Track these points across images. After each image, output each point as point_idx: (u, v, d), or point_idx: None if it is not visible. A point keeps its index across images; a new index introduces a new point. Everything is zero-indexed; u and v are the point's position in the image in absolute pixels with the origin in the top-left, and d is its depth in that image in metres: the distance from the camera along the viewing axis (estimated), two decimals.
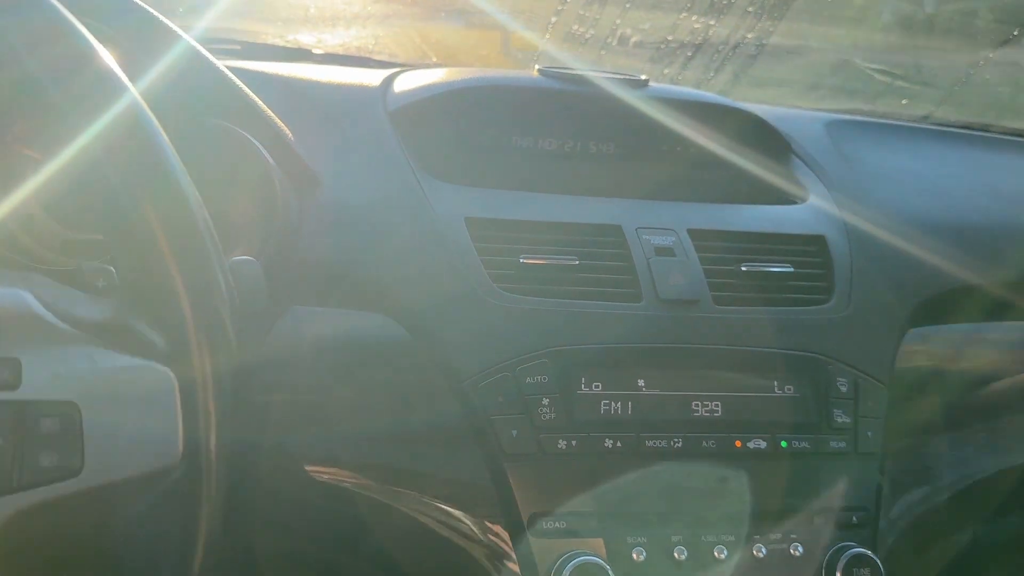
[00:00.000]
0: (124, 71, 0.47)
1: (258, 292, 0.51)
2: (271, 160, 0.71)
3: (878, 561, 0.70)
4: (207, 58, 0.71)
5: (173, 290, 0.45)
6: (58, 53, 0.44)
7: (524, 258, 0.75)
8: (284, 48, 1.16)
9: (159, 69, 0.69)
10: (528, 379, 0.70)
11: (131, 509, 0.43)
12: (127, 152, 0.45)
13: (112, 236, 0.46)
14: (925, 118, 1.30)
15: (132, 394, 0.43)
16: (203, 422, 0.44)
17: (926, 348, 0.83)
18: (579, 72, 0.91)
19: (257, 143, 0.71)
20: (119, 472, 0.42)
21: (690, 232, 0.80)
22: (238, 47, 1.11)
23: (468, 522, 0.69)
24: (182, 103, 0.70)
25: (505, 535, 0.68)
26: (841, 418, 0.74)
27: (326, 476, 0.70)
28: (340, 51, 1.25)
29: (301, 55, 1.14)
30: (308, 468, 0.70)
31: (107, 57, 0.47)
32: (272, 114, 0.76)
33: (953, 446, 0.81)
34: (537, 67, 0.94)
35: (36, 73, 0.44)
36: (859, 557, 0.70)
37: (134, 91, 0.46)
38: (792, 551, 0.71)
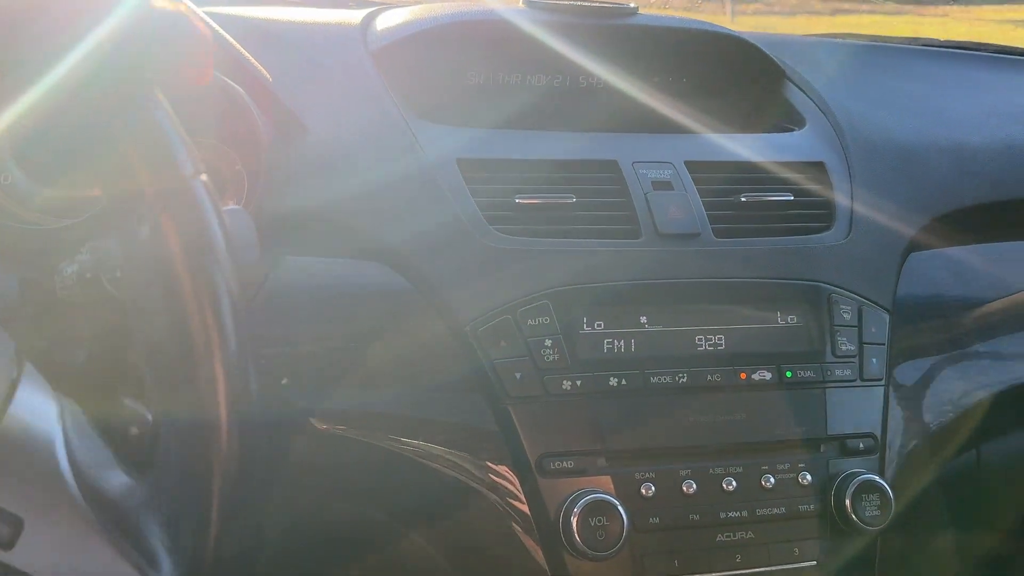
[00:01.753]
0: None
1: (249, 244, 0.49)
2: (255, 107, 0.68)
3: (886, 486, 0.70)
4: (188, 9, 0.68)
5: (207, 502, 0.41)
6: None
7: (520, 198, 0.73)
8: None
9: (136, 19, 0.66)
10: (529, 321, 0.69)
11: None
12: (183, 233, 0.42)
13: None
14: (915, 40, 1.28)
15: None
16: None
17: (927, 271, 0.83)
18: (566, 2, 0.88)
19: (240, 89, 0.68)
20: None
21: (687, 164, 0.78)
22: None
23: (477, 467, 0.68)
24: (159, 57, 0.67)
25: (514, 478, 0.68)
26: (845, 346, 0.74)
27: (331, 428, 0.69)
28: None
29: None
30: (312, 420, 0.69)
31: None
32: (253, 60, 0.73)
33: (956, 368, 0.81)
34: (522, 1, 0.91)
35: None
36: (867, 483, 0.70)
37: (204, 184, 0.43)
38: (800, 480, 0.71)
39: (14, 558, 0.37)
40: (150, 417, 0.45)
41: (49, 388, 0.44)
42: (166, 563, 0.41)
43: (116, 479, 0.42)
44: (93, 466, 0.41)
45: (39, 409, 0.41)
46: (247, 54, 0.73)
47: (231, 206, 0.49)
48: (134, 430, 0.45)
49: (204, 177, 0.42)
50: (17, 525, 0.37)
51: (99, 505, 0.40)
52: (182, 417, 0.42)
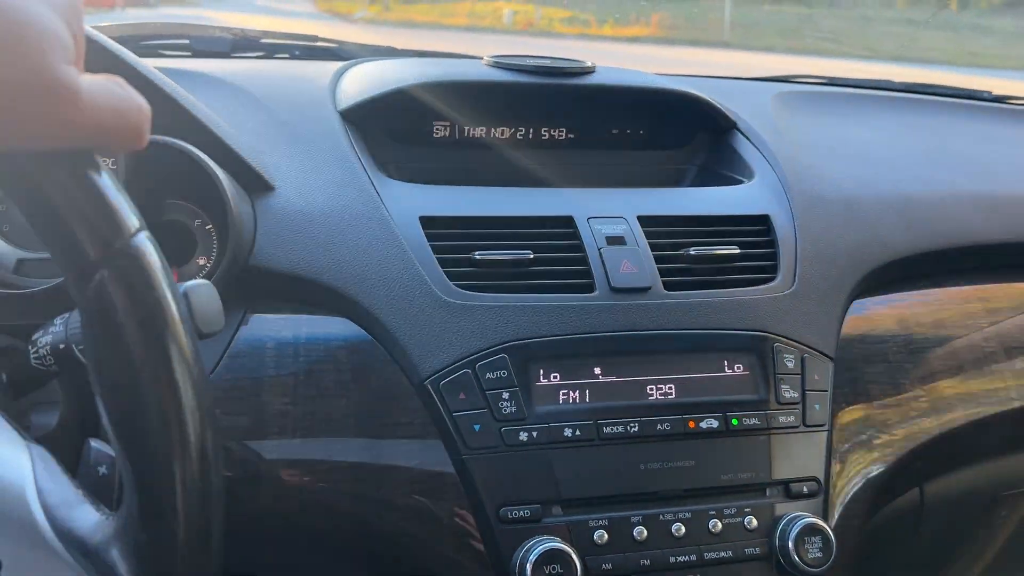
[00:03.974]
0: None
1: (214, 315, 0.52)
2: (217, 169, 0.71)
3: (828, 529, 0.74)
4: (140, 70, 0.71)
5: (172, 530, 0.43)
6: None
7: (479, 254, 0.77)
8: (233, 40, 1.15)
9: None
10: (488, 374, 0.72)
11: None
12: (135, 294, 0.43)
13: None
14: (870, 83, 1.33)
15: None
16: None
17: (869, 318, 0.87)
18: (528, 62, 0.92)
19: (201, 154, 0.71)
20: None
21: (640, 219, 0.82)
22: (186, 41, 1.10)
23: (436, 515, 0.71)
24: None
25: (472, 526, 0.71)
26: (789, 393, 0.78)
27: (292, 478, 0.72)
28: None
29: (250, 45, 1.13)
30: (275, 471, 0.71)
31: None
32: (219, 122, 0.76)
33: (897, 411, 0.85)
34: (486, 57, 0.95)
35: None
36: (810, 526, 0.73)
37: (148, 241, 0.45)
38: (746, 524, 0.75)
39: None
40: (114, 455, 0.46)
41: (18, 436, 0.46)
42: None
43: (86, 516, 0.44)
44: (63, 506, 0.43)
45: (8, 457, 0.43)
46: (210, 116, 0.76)
47: (196, 280, 0.52)
48: (102, 470, 0.48)
49: (145, 233, 0.43)
50: None
51: (71, 541, 0.42)
52: (142, 462, 0.43)
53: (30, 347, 0.60)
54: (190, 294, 0.51)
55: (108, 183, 0.42)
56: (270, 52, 1.14)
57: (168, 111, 0.72)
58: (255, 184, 0.76)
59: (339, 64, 1.00)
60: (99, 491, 0.47)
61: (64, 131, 0.38)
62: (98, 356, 0.43)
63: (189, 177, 0.72)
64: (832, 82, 1.32)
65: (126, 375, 0.42)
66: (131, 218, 0.43)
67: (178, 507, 0.43)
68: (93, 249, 0.41)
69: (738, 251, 0.82)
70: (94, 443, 0.49)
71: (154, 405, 0.43)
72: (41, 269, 0.72)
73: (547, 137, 0.97)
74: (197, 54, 1.08)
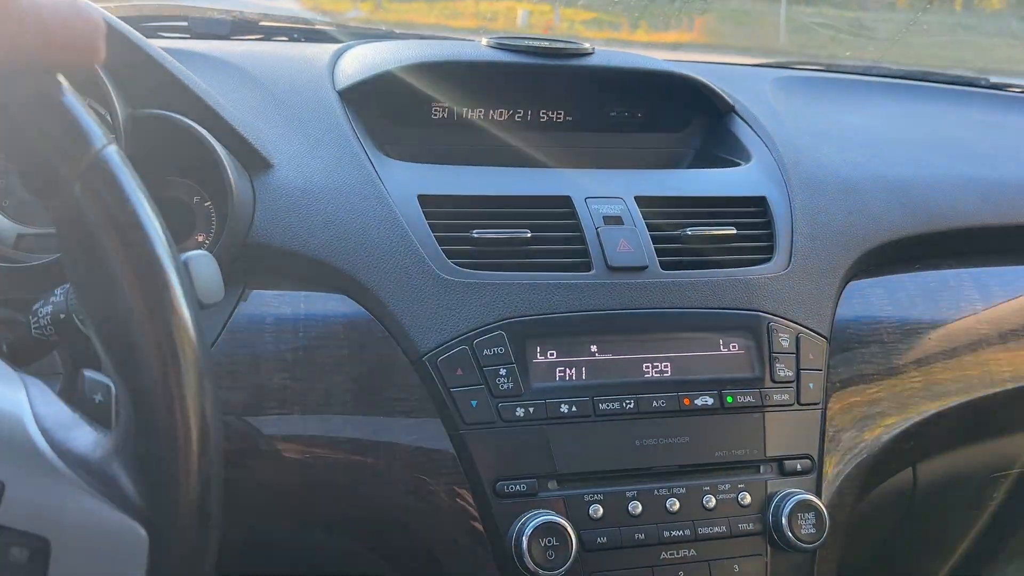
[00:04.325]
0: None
1: (214, 286, 0.52)
2: (217, 145, 0.71)
3: (821, 505, 0.74)
4: (148, 49, 0.71)
5: (161, 437, 0.44)
6: None
7: (477, 232, 0.77)
8: (231, 21, 1.15)
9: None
10: (485, 351, 0.73)
11: None
12: (107, 210, 0.44)
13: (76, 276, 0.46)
14: (867, 69, 1.33)
15: (103, 543, 0.43)
16: None
17: (864, 300, 0.87)
18: (526, 43, 0.92)
19: (202, 130, 0.71)
20: None
21: (637, 199, 0.82)
22: (185, 23, 1.10)
23: (434, 489, 0.72)
24: (121, 93, 0.70)
25: (469, 501, 0.72)
26: (783, 372, 0.78)
27: (292, 454, 0.72)
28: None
29: (248, 28, 1.14)
30: (274, 447, 0.72)
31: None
32: (218, 99, 0.76)
33: (891, 392, 0.85)
34: (485, 38, 0.95)
35: None
36: (803, 502, 0.74)
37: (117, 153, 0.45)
38: (740, 500, 0.75)
39: (2, 518, 0.40)
40: (112, 386, 0.48)
41: (11, 370, 0.47)
42: (136, 499, 0.44)
43: (84, 435, 0.45)
44: (61, 428, 0.44)
45: (3, 387, 0.44)
46: (210, 93, 0.76)
47: (196, 251, 0.52)
48: (98, 398, 0.48)
49: (115, 148, 0.44)
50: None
51: (71, 460, 0.43)
52: (137, 380, 0.44)
53: (31, 317, 0.61)
54: (190, 264, 0.51)
55: (71, 101, 0.43)
56: (268, 35, 1.14)
57: (167, 87, 0.72)
58: (253, 161, 0.77)
59: (337, 46, 1.00)
60: (96, 417, 0.48)
61: (9, 45, 0.38)
62: (81, 277, 0.44)
63: (188, 153, 0.72)
64: (830, 68, 1.32)
65: (110, 291, 0.43)
66: (97, 132, 0.43)
67: (176, 417, 0.44)
68: (62, 165, 0.42)
69: (735, 232, 0.83)
70: (88, 373, 0.49)
71: (142, 317, 0.43)
72: (41, 244, 0.72)
73: (545, 119, 0.98)
74: (196, 36, 1.08)
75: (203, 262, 0.53)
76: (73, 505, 0.42)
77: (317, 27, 1.18)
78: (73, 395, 0.48)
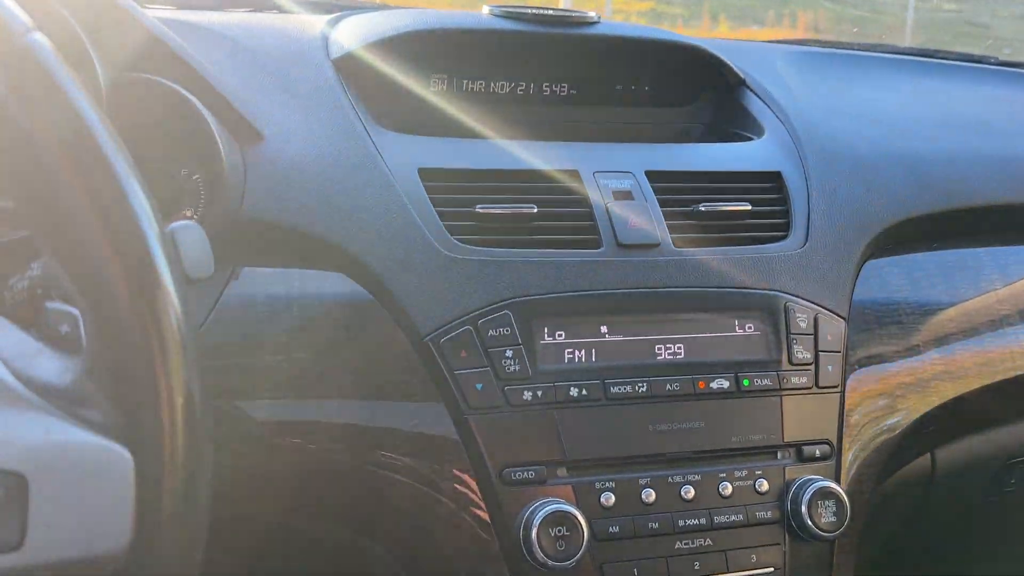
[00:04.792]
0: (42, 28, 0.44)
1: (203, 257, 0.48)
2: (208, 114, 0.67)
3: (842, 493, 0.71)
4: (131, 10, 0.67)
5: (131, 350, 0.41)
6: None
7: (481, 207, 0.73)
8: None
9: (80, 20, 0.65)
10: (490, 332, 0.69)
11: None
12: (40, 109, 0.41)
13: (27, 206, 0.42)
14: (876, 46, 1.30)
15: (85, 472, 0.40)
16: (156, 511, 0.41)
17: (882, 279, 0.84)
18: (529, 11, 0.88)
19: (191, 96, 0.67)
20: (61, 552, 0.39)
21: (648, 174, 0.79)
22: None
23: (438, 477, 0.68)
24: (104, 55, 0.66)
25: (475, 489, 0.68)
26: (801, 354, 0.75)
27: (290, 439, 0.69)
28: None
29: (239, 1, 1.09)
30: (267, 433, 0.68)
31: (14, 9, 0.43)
32: (206, 66, 0.72)
33: (911, 374, 0.82)
34: (487, 7, 0.91)
35: None
36: (823, 490, 0.71)
37: (45, 42, 0.42)
38: (757, 487, 0.72)
39: None
40: (78, 314, 0.44)
41: None
42: (115, 420, 0.41)
43: (51, 362, 0.42)
44: (23, 357, 0.41)
45: None
46: (201, 61, 0.72)
47: (184, 220, 0.48)
48: (64, 328, 0.45)
49: (39, 35, 0.41)
50: None
51: (38, 387, 0.41)
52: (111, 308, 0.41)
53: (5, 292, 0.57)
54: (176, 235, 0.47)
55: None
56: (258, 7, 1.10)
57: (153, 51, 0.68)
58: (245, 132, 0.72)
59: (330, 16, 0.96)
60: (62, 347, 0.44)
61: None
62: (26, 184, 0.41)
63: (175, 123, 0.68)
64: (838, 46, 1.29)
65: (59, 196, 0.40)
66: (18, 18, 0.40)
67: (150, 330, 0.41)
68: None
69: (749, 208, 0.79)
70: (50, 304, 0.46)
71: (94, 215, 0.41)
72: (11, 220, 0.68)
73: (548, 92, 0.94)
74: (183, 6, 1.04)
75: (191, 233, 0.49)
76: (45, 434, 0.39)
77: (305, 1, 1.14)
78: (36, 327, 0.44)
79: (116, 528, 0.40)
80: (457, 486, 0.69)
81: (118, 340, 0.41)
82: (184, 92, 0.67)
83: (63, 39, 0.63)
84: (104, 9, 0.66)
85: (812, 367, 0.75)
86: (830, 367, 0.76)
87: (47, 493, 0.39)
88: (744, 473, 0.72)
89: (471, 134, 0.84)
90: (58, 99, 0.40)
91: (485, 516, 0.68)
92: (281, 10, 1.11)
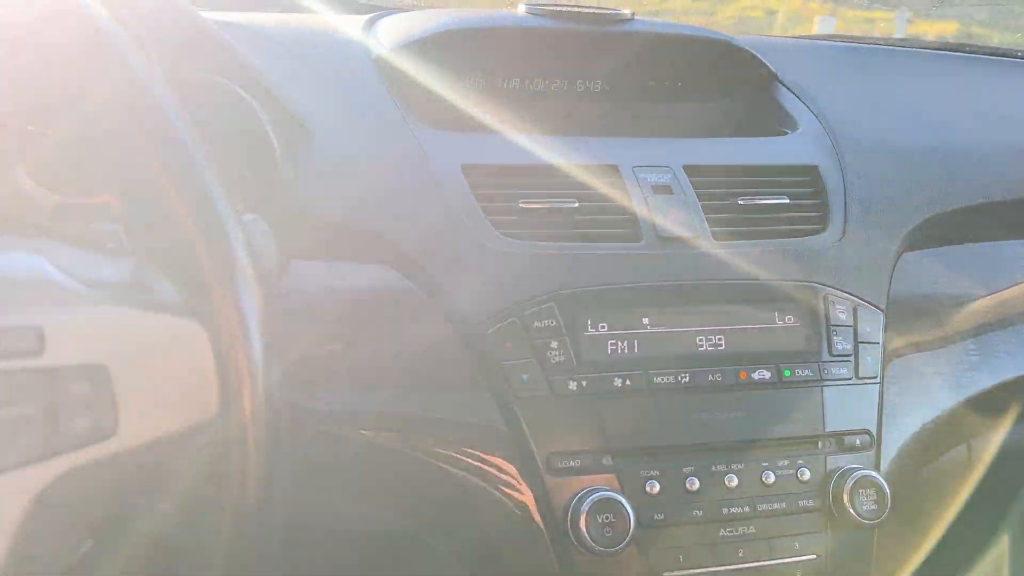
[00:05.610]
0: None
1: (268, 251, 0.50)
2: (263, 113, 0.69)
3: (883, 481, 0.72)
4: (190, 9, 0.69)
5: (189, 244, 0.44)
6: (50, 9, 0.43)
7: (524, 203, 0.75)
8: None
9: (139, 23, 0.67)
10: (536, 323, 0.70)
11: (171, 466, 0.43)
12: (132, 111, 0.44)
13: (120, 196, 0.45)
14: (904, 41, 1.30)
15: (161, 352, 0.42)
16: (236, 372, 0.43)
17: (919, 271, 0.85)
18: (565, 9, 0.90)
19: (247, 96, 0.69)
20: (155, 430, 0.42)
21: (686, 168, 0.80)
22: None
23: (485, 465, 0.70)
24: (165, 57, 0.68)
25: (522, 476, 0.69)
26: (841, 345, 0.76)
27: (339, 429, 0.70)
28: None
29: (274, 2, 1.11)
30: (321, 423, 0.70)
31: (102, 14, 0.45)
32: (258, 65, 0.74)
33: (947, 365, 0.83)
34: (522, 5, 0.92)
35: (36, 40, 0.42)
36: (864, 478, 0.72)
37: (139, 56, 0.44)
38: (799, 476, 0.73)
39: (47, 360, 0.39)
40: (121, 230, 0.48)
41: (15, 237, 0.45)
42: (180, 297, 0.43)
43: (108, 265, 0.44)
44: (82, 267, 0.43)
45: (10, 248, 0.43)
46: (253, 60, 0.74)
47: (249, 215, 0.50)
48: (110, 244, 0.48)
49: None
50: (37, 332, 0.39)
51: (101, 285, 0.42)
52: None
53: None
54: (247, 227, 0.49)
55: None
56: (292, 8, 1.11)
57: (210, 52, 0.70)
58: (295, 130, 0.74)
59: (368, 16, 0.97)
60: (113, 254, 0.47)
61: None
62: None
63: (229, 120, 0.69)
64: (864, 41, 1.29)
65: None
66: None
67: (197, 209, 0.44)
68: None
69: (787, 201, 0.80)
70: (94, 225, 0.49)
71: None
72: (78, 214, 0.70)
73: (582, 88, 0.95)
74: (218, 7, 1.06)
75: (257, 227, 0.51)
76: (116, 324, 0.41)
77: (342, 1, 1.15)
78: (84, 245, 0.47)
79: (201, 398, 0.43)
80: (504, 474, 0.70)
81: (173, 224, 0.44)
82: (239, 90, 0.68)
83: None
84: (160, 7, 0.67)
85: (852, 358, 0.76)
86: (869, 358, 0.77)
87: (130, 379, 0.41)
88: (786, 462, 0.73)
89: (509, 130, 0.85)
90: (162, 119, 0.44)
91: (532, 503, 0.70)
92: (314, 11, 1.13)
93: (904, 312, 0.83)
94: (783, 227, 0.80)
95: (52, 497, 0.39)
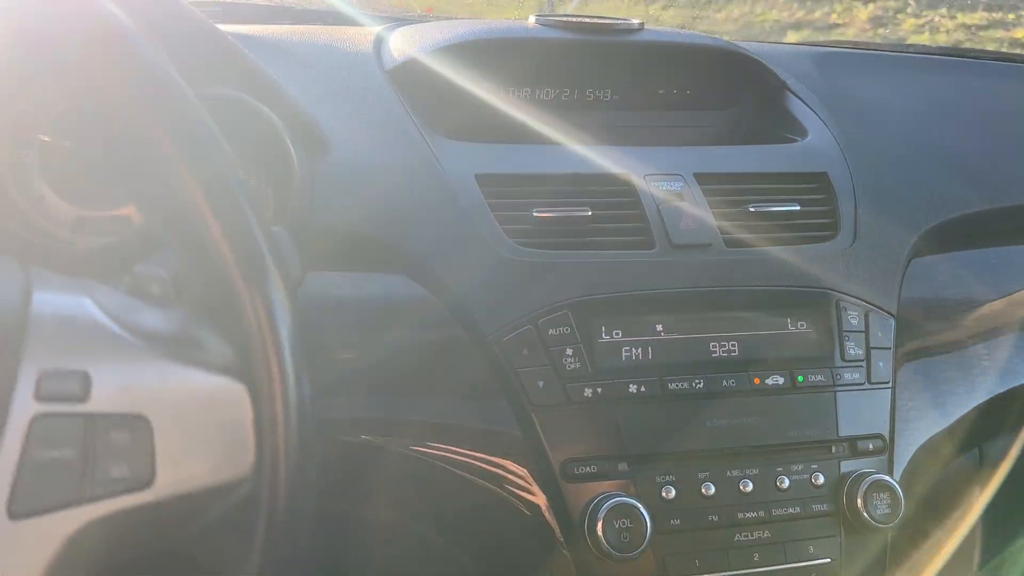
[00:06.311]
0: None
1: (293, 263, 0.51)
2: (282, 125, 0.70)
3: (896, 485, 0.73)
4: (207, 23, 0.70)
5: (235, 302, 0.44)
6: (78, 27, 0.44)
7: (537, 211, 0.76)
8: (267, 7, 1.14)
9: (160, 38, 0.68)
10: (551, 331, 0.71)
11: (203, 520, 0.43)
12: (161, 123, 0.45)
13: (148, 210, 0.45)
14: (908, 46, 1.31)
15: (202, 407, 0.42)
16: (274, 434, 0.43)
17: (929, 277, 0.85)
18: (574, 20, 0.91)
19: (266, 109, 0.70)
20: (189, 483, 0.42)
21: (697, 176, 0.81)
22: (219, 9, 1.08)
23: (501, 471, 0.70)
24: (185, 70, 0.69)
25: (538, 482, 0.70)
26: (854, 350, 0.77)
27: (358, 437, 0.71)
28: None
29: (284, 14, 1.12)
30: (339, 430, 0.70)
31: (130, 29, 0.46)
32: (275, 77, 0.75)
33: (958, 369, 0.84)
34: (533, 16, 0.93)
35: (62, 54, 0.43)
36: (878, 482, 0.72)
37: (163, 62, 0.45)
38: (814, 480, 0.74)
39: (91, 406, 0.39)
40: (166, 275, 0.47)
41: (62, 276, 0.46)
42: (224, 355, 0.44)
43: (154, 314, 0.45)
44: (129, 312, 0.44)
45: (59, 288, 0.44)
46: (270, 73, 0.75)
47: (277, 227, 0.50)
48: (155, 289, 0.47)
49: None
50: (84, 378, 0.39)
51: (147, 335, 0.43)
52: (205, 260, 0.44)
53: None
54: (275, 239, 0.50)
55: None
56: (302, 20, 1.12)
57: (226, 63, 0.71)
58: (312, 142, 0.75)
59: (377, 28, 0.98)
60: (159, 303, 0.47)
61: None
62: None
63: (247, 133, 0.70)
64: (867, 47, 1.30)
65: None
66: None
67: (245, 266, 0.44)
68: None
69: (798, 208, 0.81)
70: (140, 267, 0.48)
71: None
72: (100, 227, 0.70)
73: (592, 97, 0.96)
74: (229, 21, 1.07)
75: (282, 240, 0.51)
76: (161, 376, 0.42)
77: (351, 13, 1.16)
78: (129, 290, 0.47)
79: (238, 455, 0.43)
80: (520, 480, 0.71)
81: (219, 284, 0.44)
82: (257, 103, 0.69)
83: None
84: (180, 23, 0.68)
85: (864, 363, 0.77)
86: (881, 363, 0.77)
87: (170, 431, 0.41)
88: (800, 467, 0.74)
89: (520, 140, 0.86)
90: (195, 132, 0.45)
91: (548, 509, 0.70)
92: (325, 22, 1.14)
93: (916, 317, 0.83)
94: (794, 234, 0.81)
95: (82, 542, 0.39)
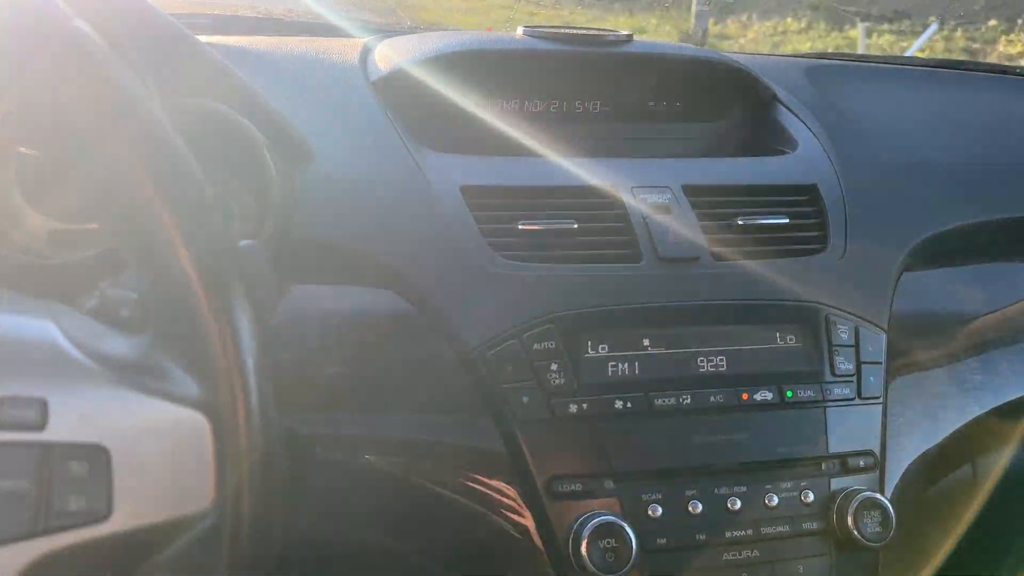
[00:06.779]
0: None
1: (265, 278, 0.50)
2: (261, 137, 0.69)
3: (887, 503, 0.72)
4: (186, 34, 0.69)
5: (199, 324, 0.43)
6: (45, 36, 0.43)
7: (522, 224, 0.75)
8: (255, 18, 1.13)
9: (137, 47, 0.67)
10: (535, 346, 0.70)
11: (160, 555, 0.42)
12: (124, 135, 0.43)
13: (112, 226, 0.44)
14: (899, 58, 1.31)
15: (163, 439, 0.41)
16: (236, 469, 0.42)
17: (920, 290, 0.84)
18: (563, 31, 0.90)
19: (245, 120, 0.69)
20: (148, 517, 0.41)
21: (684, 188, 0.80)
22: (208, 21, 1.08)
23: (485, 490, 0.69)
24: (162, 82, 0.68)
25: (523, 500, 0.69)
26: (843, 365, 0.76)
27: (339, 453, 0.70)
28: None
29: (273, 26, 1.11)
30: (320, 446, 0.69)
31: (99, 43, 0.45)
32: (257, 89, 0.74)
33: (950, 384, 0.83)
34: (521, 27, 0.92)
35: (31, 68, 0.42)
36: (869, 500, 0.71)
37: (128, 77, 0.44)
38: (803, 498, 0.72)
39: (51, 435, 0.38)
40: (136, 296, 0.46)
41: (27, 298, 0.45)
42: (187, 387, 0.42)
43: (119, 341, 0.43)
44: (93, 338, 0.42)
45: (22, 311, 0.42)
46: (253, 85, 0.74)
47: (247, 241, 0.49)
48: (124, 312, 0.46)
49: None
50: (42, 406, 0.38)
51: (109, 363, 0.41)
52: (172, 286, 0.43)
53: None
54: (244, 254, 0.48)
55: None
56: (290, 32, 1.12)
57: (207, 75, 0.70)
58: (294, 154, 0.74)
59: (364, 39, 0.98)
60: (126, 327, 0.46)
61: None
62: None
63: (226, 146, 0.69)
64: (860, 59, 1.30)
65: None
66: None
67: (212, 295, 0.43)
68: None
69: (787, 221, 0.80)
70: (109, 289, 0.47)
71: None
72: (74, 239, 0.69)
73: (581, 109, 0.95)
74: (218, 32, 1.06)
75: (253, 254, 0.50)
76: (122, 407, 0.40)
77: (340, 24, 1.16)
78: (96, 312, 0.46)
79: (199, 489, 0.42)
80: (505, 498, 0.69)
81: (186, 311, 0.43)
82: (235, 115, 0.68)
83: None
84: (155, 31, 0.67)
85: (854, 378, 0.76)
86: (872, 378, 0.76)
87: (128, 463, 0.40)
88: (790, 484, 0.72)
89: (508, 152, 0.85)
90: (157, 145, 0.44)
91: (533, 527, 0.69)
92: (313, 34, 1.14)
93: (907, 331, 0.82)
94: (783, 247, 0.80)
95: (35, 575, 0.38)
